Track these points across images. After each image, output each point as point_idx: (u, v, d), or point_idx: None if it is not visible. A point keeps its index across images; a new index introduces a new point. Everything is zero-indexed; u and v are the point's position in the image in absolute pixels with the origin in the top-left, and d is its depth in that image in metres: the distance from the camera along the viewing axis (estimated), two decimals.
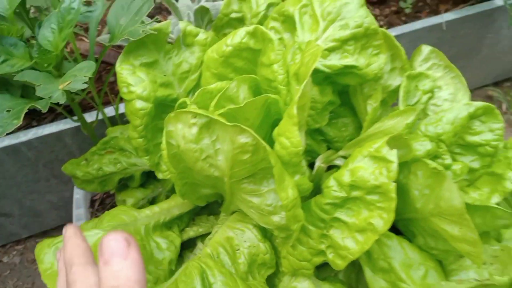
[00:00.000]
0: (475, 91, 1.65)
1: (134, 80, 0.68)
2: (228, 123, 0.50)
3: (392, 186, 0.54)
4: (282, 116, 0.59)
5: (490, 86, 1.65)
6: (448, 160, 0.70)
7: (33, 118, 1.09)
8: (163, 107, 0.72)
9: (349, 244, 0.57)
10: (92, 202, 1.07)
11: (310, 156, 0.79)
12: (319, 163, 0.72)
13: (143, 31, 0.67)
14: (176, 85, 0.74)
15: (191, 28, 0.74)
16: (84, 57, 1.20)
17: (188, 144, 0.55)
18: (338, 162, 0.72)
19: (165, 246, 0.70)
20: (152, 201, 0.88)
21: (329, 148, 0.81)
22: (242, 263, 0.65)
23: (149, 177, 0.88)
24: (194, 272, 0.59)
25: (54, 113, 1.10)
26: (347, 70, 0.69)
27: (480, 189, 0.71)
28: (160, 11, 1.38)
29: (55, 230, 1.28)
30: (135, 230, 0.69)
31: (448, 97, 0.83)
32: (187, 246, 0.75)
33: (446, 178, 0.55)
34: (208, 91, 0.64)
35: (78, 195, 0.92)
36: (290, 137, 0.55)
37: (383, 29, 0.74)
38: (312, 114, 0.74)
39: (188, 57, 0.74)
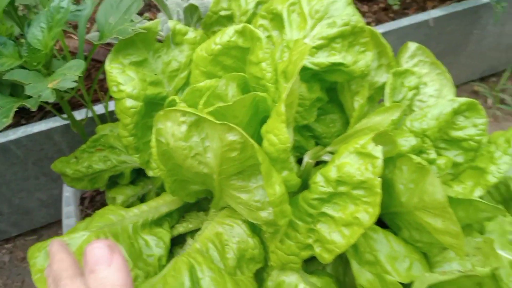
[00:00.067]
0: (462, 87, 1.67)
1: (124, 79, 0.68)
2: (216, 121, 0.51)
3: (377, 181, 0.55)
4: (270, 114, 0.60)
5: (476, 82, 1.68)
6: (433, 155, 0.71)
7: (22, 116, 1.09)
8: (152, 106, 0.72)
9: (336, 238, 0.58)
10: (82, 200, 1.07)
11: (299, 152, 0.80)
12: (307, 159, 0.73)
13: (132, 29, 0.68)
14: (165, 83, 0.75)
15: (180, 27, 0.75)
16: (73, 54, 1.20)
17: (177, 142, 0.56)
18: (326, 157, 0.73)
19: (154, 243, 0.71)
20: (142, 198, 0.89)
21: (317, 144, 0.83)
22: (231, 258, 0.66)
23: (139, 174, 0.89)
24: (183, 267, 0.60)
25: (43, 111, 1.10)
26: (335, 67, 0.71)
27: (464, 182, 0.73)
28: (149, 8, 1.38)
29: (45, 228, 1.29)
30: (122, 229, 0.69)
31: (433, 93, 0.84)
32: (177, 242, 0.76)
33: (430, 173, 0.57)
34: (197, 89, 0.64)
35: (68, 193, 0.92)
36: (278, 134, 0.56)
37: (369, 27, 0.75)
38: (300, 110, 0.75)
39: (178, 55, 0.75)
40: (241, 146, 0.52)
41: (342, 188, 0.58)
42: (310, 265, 0.72)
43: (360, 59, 0.72)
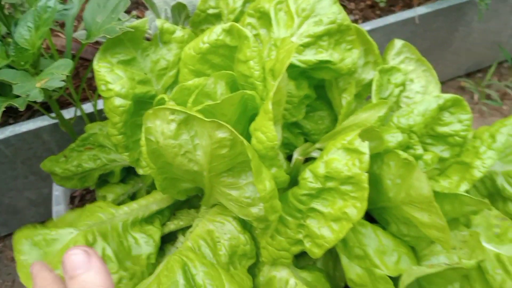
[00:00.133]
0: (448, 83, 1.69)
1: (112, 78, 0.68)
2: (206, 119, 0.51)
3: (365, 176, 0.56)
4: (258, 111, 0.61)
5: (462, 77, 1.70)
6: (419, 150, 0.72)
7: (10, 115, 1.08)
8: (141, 104, 0.72)
9: (325, 233, 0.59)
10: (72, 199, 1.07)
11: (288, 149, 0.81)
12: (296, 155, 0.74)
13: (120, 28, 0.68)
14: (154, 82, 0.75)
15: (168, 25, 0.75)
16: (60, 53, 1.19)
17: (167, 140, 0.56)
18: (315, 154, 0.74)
19: (143, 241, 0.71)
20: (133, 196, 0.89)
21: (306, 141, 0.83)
22: (223, 254, 0.66)
23: (129, 172, 0.89)
24: (176, 266, 0.60)
25: (31, 110, 1.09)
26: (322, 65, 0.71)
27: (450, 177, 0.74)
28: (137, 6, 1.37)
29: None
30: (112, 227, 0.70)
31: (419, 90, 0.86)
32: (168, 240, 0.76)
33: (416, 168, 0.58)
34: (186, 88, 0.65)
35: (58, 192, 0.92)
36: (266, 131, 0.57)
37: (355, 25, 0.76)
38: (289, 108, 0.76)
39: (166, 54, 0.75)
40: (231, 143, 0.53)
41: (330, 184, 0.59)
42: (301, 260, 0.73)
43: (346, 56, 0.73)
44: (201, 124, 0.53)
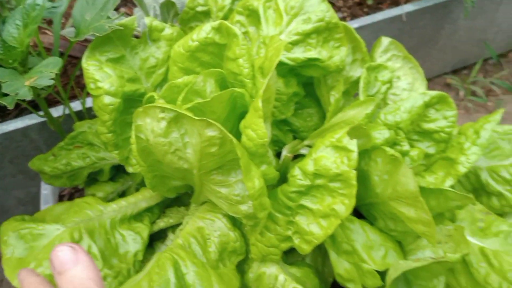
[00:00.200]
0: (435, 79, 1.72)
1: (101, 76, 0.68)
2: (195, 117, 0.51)
3: (353, 173, 0.57)
4: (248, 109, 0.61)
5: (449, 74, 1.73)
6: (406, 146, 0.74)
7: None
8: (131, 102, 0.72)
9: (314, 229, 0.60)
10: (61, 197, 1.06)
11: (277, 146, 0.81)
12: (285, 152, 0.75)
13: (108, 26, 0.67)
14: (143, 79, 0.75)
15: (157, 23, 0.75)
16: (48, 50, 1.18)
17: (157, 138, 0.56)
18: (303, 151, 0.74)
19: (131, 238, 0.71)
20: (122, 195, 0.89)
21: (295, 138, 0.84)
22: (213, 251, 0.67)
23: (118, 170, 0.89)
24: (167, 264, 0.60)
25: (19, 109, 1.08)
26: (310, 62, 0.72)
27: (436, 173, 0.76)
28: (125, 3, 1.37)
29: None
30: (100, 224, 0.70)
31: (406, 87, 0.87)
32: (158, 237, 0.77)
33: (402, 164, 0.59)
34: (176, 85, 0.65)
35: (46, 191, 0.91)
36: (256, 129, 0.57)
37: (343, 23, 0.77)
38: (278, 105, 0.76)
39: (155, 52, 0.75)
40: (220, 141, 0.53)
41: (319, 181, 0.60)
42: (290, 256, 0.74)
43: (335, 54, 0.73)
44: (190, 122, 0.53)
